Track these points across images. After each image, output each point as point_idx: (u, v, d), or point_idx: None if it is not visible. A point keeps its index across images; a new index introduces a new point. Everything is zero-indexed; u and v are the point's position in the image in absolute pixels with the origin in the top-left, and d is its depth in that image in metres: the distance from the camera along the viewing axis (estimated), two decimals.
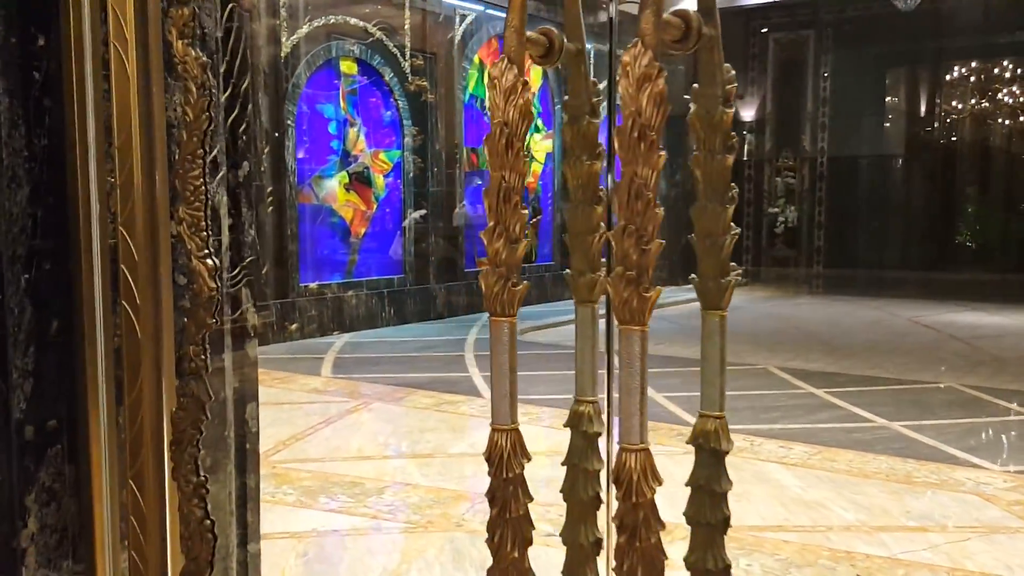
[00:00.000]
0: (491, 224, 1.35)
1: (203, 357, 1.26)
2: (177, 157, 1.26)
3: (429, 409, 5.89)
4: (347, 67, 10.01)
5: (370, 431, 5.38)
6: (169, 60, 1.30)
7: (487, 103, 1.64)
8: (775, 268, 16.52)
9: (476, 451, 5.08)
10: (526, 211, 1.41)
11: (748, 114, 17.42)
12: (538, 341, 9.22)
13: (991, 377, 6.96)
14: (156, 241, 1.24)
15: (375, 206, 10.46)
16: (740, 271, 2.24)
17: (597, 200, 1.49)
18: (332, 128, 9.86)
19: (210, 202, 1.24)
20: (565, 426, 1.46)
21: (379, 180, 10.50)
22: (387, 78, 10.39)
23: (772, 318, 11.19)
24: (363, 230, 10.33)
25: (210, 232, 1.21)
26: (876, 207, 16.98)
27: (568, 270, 1.56)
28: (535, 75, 12.31)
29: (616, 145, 1.37)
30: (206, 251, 1.21)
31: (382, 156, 10.51)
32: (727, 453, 1.61)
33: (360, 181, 10.27)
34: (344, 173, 10.03)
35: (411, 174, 10.75)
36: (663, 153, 1.14)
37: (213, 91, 1.30)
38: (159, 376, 1.30)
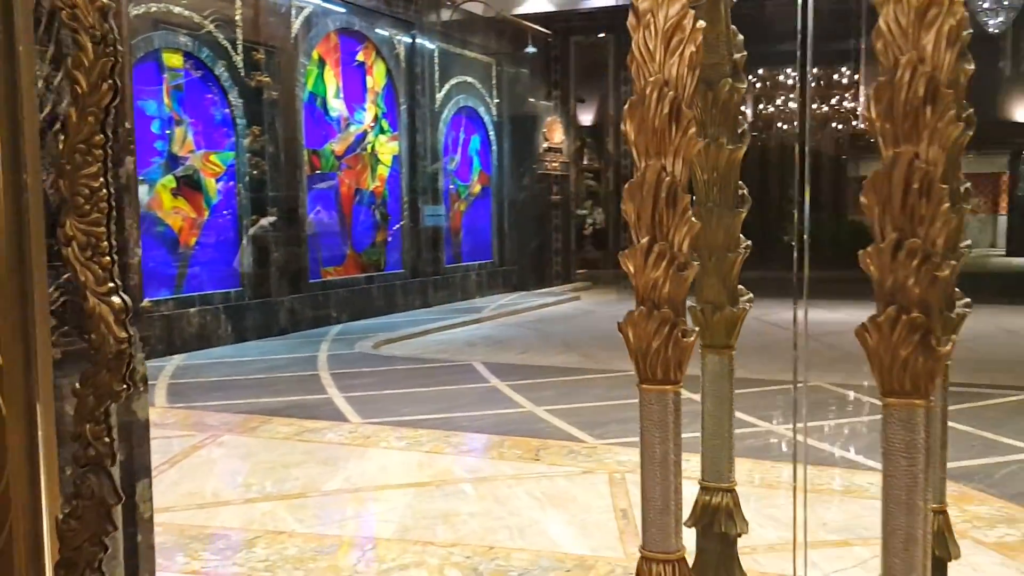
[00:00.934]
0: (643, 241, 1.10)
1: (108, 439, 0.79)
2: (62, 147, 0.78)
3: (290, 439, 5.30)
4: (172, 60, 9.12)
5: (226, 470, 4.75)
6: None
7: (630, 57, 1.37)
8: (586, 269, 16.70)
9: (354, 486, 4.60)
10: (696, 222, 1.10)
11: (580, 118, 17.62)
12: (396, 355, 8.73)
13: (853, 374, 7.12)
14: (24, 270, 0.76)
15: (207, 213, 9.61)
16: (750, 297, 1.90)
17: (740, 202, 1.18)
18: (155, 127, 8.95)
19: (114, 213, 0.77)
20: (690, 525, 1.06)
21: (211, 184, 9.66)
22: (218, 73, 9.57)
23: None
24: (194, 239, 9.46)
25: (114, 256, 0.75)
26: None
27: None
28: (378, 74, 11.81)
29: (872, 111, 1.14)
30: (110, 285, 0.74)
31: (213, 158, 9.67)
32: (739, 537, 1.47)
33: (189, 186, 9.39)
34: (171, 177, 9.13)
35: (248, 177, 9.97)
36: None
37: (119, 48, 0.82)
38: (35, 471, 0.81)
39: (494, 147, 14.86)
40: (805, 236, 1.93)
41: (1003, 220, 21.42)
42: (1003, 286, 14.23)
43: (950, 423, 5.44)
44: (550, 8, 15.14)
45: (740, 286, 1.84)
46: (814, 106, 18.98)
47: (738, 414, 5.69)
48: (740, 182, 1.51)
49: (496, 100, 14.85)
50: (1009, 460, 4.58)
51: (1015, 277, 15.98)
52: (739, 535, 1.17)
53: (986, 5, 12.93)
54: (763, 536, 3.57)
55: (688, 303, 2.07)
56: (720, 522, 1.15)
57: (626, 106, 1.29)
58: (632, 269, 1.35)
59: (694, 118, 1.15)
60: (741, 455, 4.72)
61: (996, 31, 13.35)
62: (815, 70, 18.76)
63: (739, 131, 1.37)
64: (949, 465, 4.52)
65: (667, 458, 1.42)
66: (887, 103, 1.19)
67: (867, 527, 3.68)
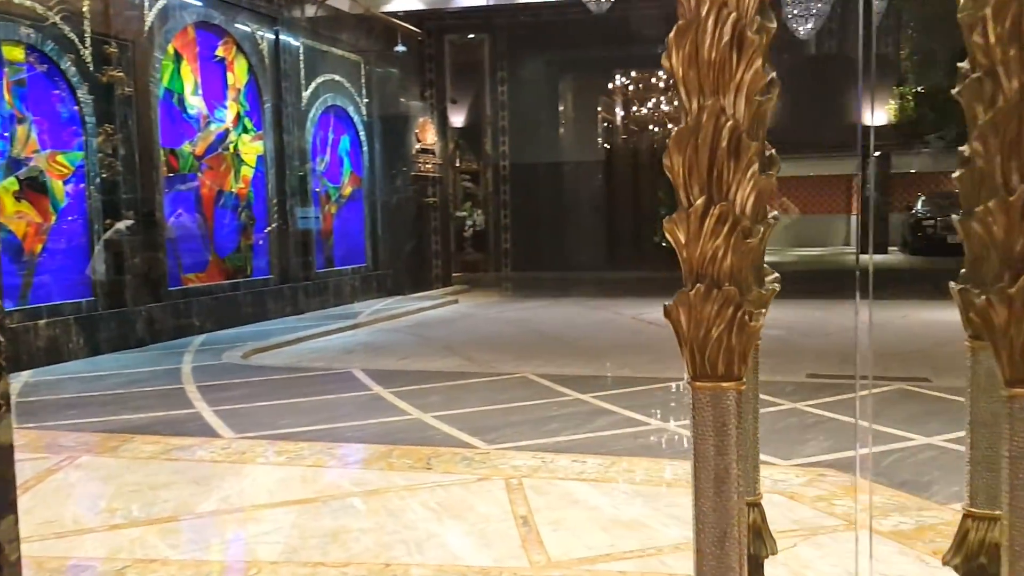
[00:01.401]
0: (697, 203, 1.08)
1: None
2: None
3: (156, 458, 4.91)
4: (13, 54, 8.41)
5: (86, 494, 4.34)
6: None
7: (672, 63, 1.16)
8: (467, 273, 16.64)
9: (232, 506, 4.28)
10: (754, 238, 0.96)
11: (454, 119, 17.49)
12: (268, 364, 8.34)
13: None
14: None
15: (54, 218, 8.91)
16: (777, 276, 1.73)
17: (769, 163, 1.13)
18: None
19: None
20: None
21: (58, 187, 8.96)
22: (64, 68, 8.89)
23: (509, 323, 11.15)
24: (40, 246, 8.75)
25: None
26: (570, 210, 17.79)
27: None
28: (240, 71, 11.32)
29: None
30: None
31: (60, 159, 8.98)
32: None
33: (34, 188, 8.68)
34: (12, 179, 8.41)
35: (99, 179, 9.31)
36: None
37: None
38: None
39: (365, 148, 14.53)
40: (869, 227, 1.77)
41: (855, 220, 22.69)
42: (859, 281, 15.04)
43: (829, 413, 5.59)
44: (421, 6, 14.94)
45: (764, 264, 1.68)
46: (633, 109, 19.50)
47: (628, 412, 5.72)
48: (767, 140, 1.34)
49: (366, 99, 14.53)
50: (892, 449, 4.73)
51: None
52: (768, 556, 1.04)
53: (796, 11, 13.59)
54: (668, 535, 3.52)
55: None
56: (747, 542, 1.02)
57: (671, 34, 1.12)
58: (682, 239, 1.19)
59: (760, 46, 1.02)
60: (637, 454, 4.72)
61: (806, 38, 14.10)
62: (633, 73, 19.26)
63: (768, 79, 1.22)
64: (838, 455, 4.65)
65: (728, 472, 1.19)
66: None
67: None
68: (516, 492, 4.09)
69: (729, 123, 1.13)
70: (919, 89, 24.07)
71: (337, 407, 6.25)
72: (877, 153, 21.87)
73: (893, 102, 24.84)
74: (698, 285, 1.13)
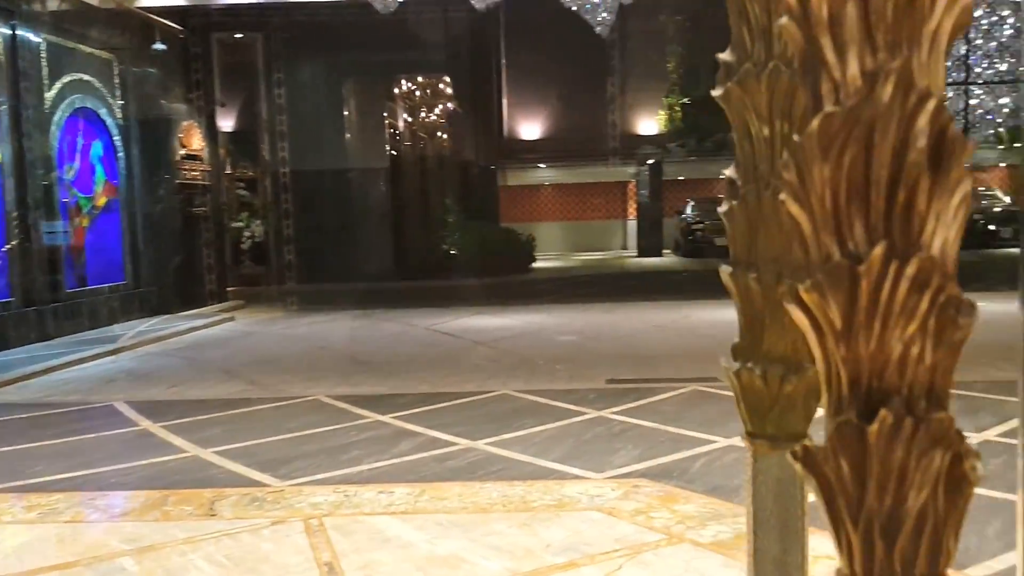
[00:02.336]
0: (873, 254, 0.62)
1: None
2: None
3: None
4: None
5: None
6: None
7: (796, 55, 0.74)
8: (246, 287, 15.80)
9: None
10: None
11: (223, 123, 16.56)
12: (11, 401, 7.33)
13: (531, 379, 7.23)
14: None
15: None
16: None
17: None
18: None
19: None
20: None
21: None
22: None
23: (295, 341, 10.56)
24: None
25: None
26: (357, 219, 17.37)
27: None
28: None
29: None
30: None
31: None
32: None
33: None
34: None
35: None
36: None
37: None
38: None
39: (121, 154, 13.33)
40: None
41: (632, 224, 23.76)
42: (640, 284, 15.70)
43: (634, 420, 5.61)
44: (184, 2, 13.94)
45: None
46: (420, 114, 19.52)
47: (433, 432, 5.47)
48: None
49: (121, 101, 13.34)
50: (698, 453, 4.79)
51: (649, 276, 17.71)
52: None
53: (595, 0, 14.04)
54: (490, 569, 3.30)
55: (729, 363, 1.57)
56: None
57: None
58: (828, 329, 0.74)
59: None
60: (448, 478, 4.47)
61: (602, 32, 14.64)
62: (420, 78, 19.27)
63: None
64: (650, 463, 4.63)
65: None
66: None
67: (588, 542, 3.57)
68: (318, 535, 3.71)
69: (930, 106, 0.62)
70: (686, 100, 25.68)
71: (97, 448, 5.53)
72: (650, 161, 23.06)
73: (662, 112, 26.35)
74: (883, 412, 0.64)
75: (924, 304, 0.64)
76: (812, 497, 0.80)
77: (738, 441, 4.99)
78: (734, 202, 1.41)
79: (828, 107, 0.67)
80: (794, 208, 0.69)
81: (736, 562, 3.32)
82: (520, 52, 22.57)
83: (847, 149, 0.66)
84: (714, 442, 4.96)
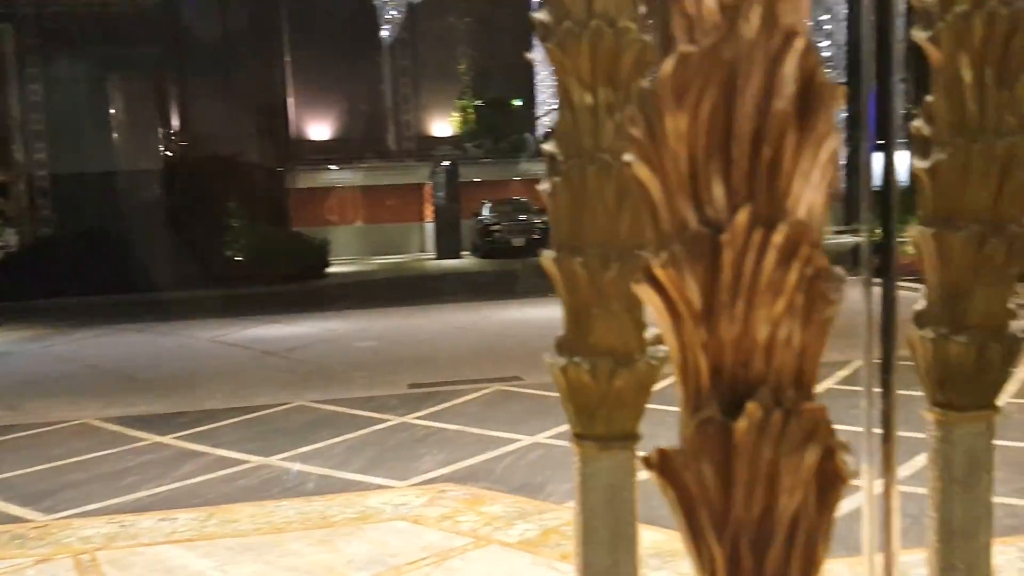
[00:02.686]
0: (737, 216, 0.46)
1: None
2: None
3: None
4: None
5: None
6: None
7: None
8: (8, 303, 14.45)
9: None
10: None
11: None
12: None
13: (328, 388, 7.01)
14: None
15: None
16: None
17: None
18: None
19: None
20: None
21: None
22: None
23: (58, 360, 9.69)
24: None
25: None
26: (128, 224, 16.30)
27: None
28: None
29: None
30: None
31: None
32: None
33: None
34: None
35: None
36: None
37: None
38: None
39: None
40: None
41: (430, 227, 23.78)
42: (440, 287, 15.71)
43: (438, 424, 5.55)
44: None
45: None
46: (184, 115, 18.75)
47: (220, 451, 5.15)
48: None
49: None
50: (503, 453, 4.79)
51: (448, 278, 17.77)
52: None
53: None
54: None
55: (553, 359, 1.43)
56: None
57: None
58: (685, 311, 0.62)
59: None
60: (238, 499, 4.21)
61: (390, 32, 14.61)
62: (194, 76, 18.52)
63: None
64: (455, 467, 4.57)
65: None
66: None
67: (394, 553, 3.46)
68: (90, 571, 3.37)
69: (797, 41, 0.55)
70: (479, 102, 26.04)
71: None
72: (446, 162, 23.18)
73: (456, 113, 26.59)
74: (751, 406, 0.56)
75: (792, 277, 0.55)
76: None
77: (542, 438, 5.05)
78: (556, 179, 1.32)
79: (682, 47, 0.56)
80: (642, 170, 0.59)
81: (543, 559, 3.33)
82: (306, 49, 22.02)
83: (705, 97, 0.55)
84: (518, 441, 4.98)
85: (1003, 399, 5.33)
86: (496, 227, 21.52)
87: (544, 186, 1.34)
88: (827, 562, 0.65)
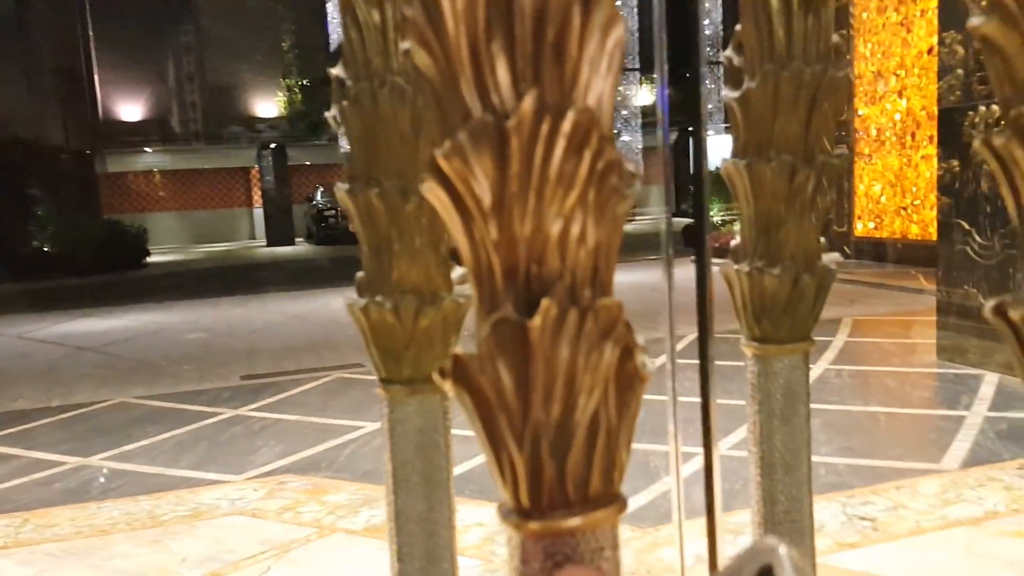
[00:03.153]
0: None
1: None
2: None
3: None
4: None
5: None
6: None
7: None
8: None
9: None
10: None
11: None
12: None
13: (153, 383, 6.72)
14: None
15: None
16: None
17: None
18: None
19: None
20: None
21: None
22: None
23: None
24: None
25: None
26: None
27: None
28: None
29: None
30: None
31: None
32: None
33: None
34: None
35: None
36: None
37: None
38: None
39: None
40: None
41: (259, 212, 23.11)
42: (273, 275, 15.32)
43: (275, 415, 5.44)
44: None
45: None
46: None
47: (35, 453, 4.85)
48: None
49: None
50: (346, 441, 4.75)
51: (281, 266, 17.35)
52: None
53: None
54: None
55: (354, 300, 1.35)
56: None
57: None
58: (474, 207, 0.59)
59: None
60: (55, 503, 3.98)
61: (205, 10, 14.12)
62: None
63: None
64: (295, 458, 4.50)
65: None
66: None
67: (233, 550, 3.38)
68: None
69: None
70: (305, 81, 25.48)
71: None
72: (273, 145, 22.56)
73: (282, 94, 25.91)
74: (546, 303, 0.55)
75: (584, 169, 0.54)
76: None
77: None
78: (344, 103, 1.27)
79: None
80: (421, 57, 0.55)
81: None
82: (112, 22, 20.86)
83: None
84: (362, 428, 4.95)
85: (822, 365, 5.73)
86: (331, 212, 21.16)
87: (331, 112, 1.29)
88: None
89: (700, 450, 4.02)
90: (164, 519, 3.73)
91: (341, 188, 1.32)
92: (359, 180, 1.30)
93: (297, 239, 22.24)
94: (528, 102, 0.52)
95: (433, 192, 0.56)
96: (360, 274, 1.36)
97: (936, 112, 10.29)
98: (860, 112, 11.37)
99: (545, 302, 0.54)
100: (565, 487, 0.57)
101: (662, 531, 3.27)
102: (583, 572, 0.44)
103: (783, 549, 0.40)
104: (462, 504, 3.68)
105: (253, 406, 5.67)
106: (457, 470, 4.13)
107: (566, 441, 0.56)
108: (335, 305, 10.83)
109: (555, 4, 0.52)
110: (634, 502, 3.63)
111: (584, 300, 0.55)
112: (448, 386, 0.58)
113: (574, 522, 0.56)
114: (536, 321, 0.53)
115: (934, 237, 10.39)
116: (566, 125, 0.52)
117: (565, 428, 0.56)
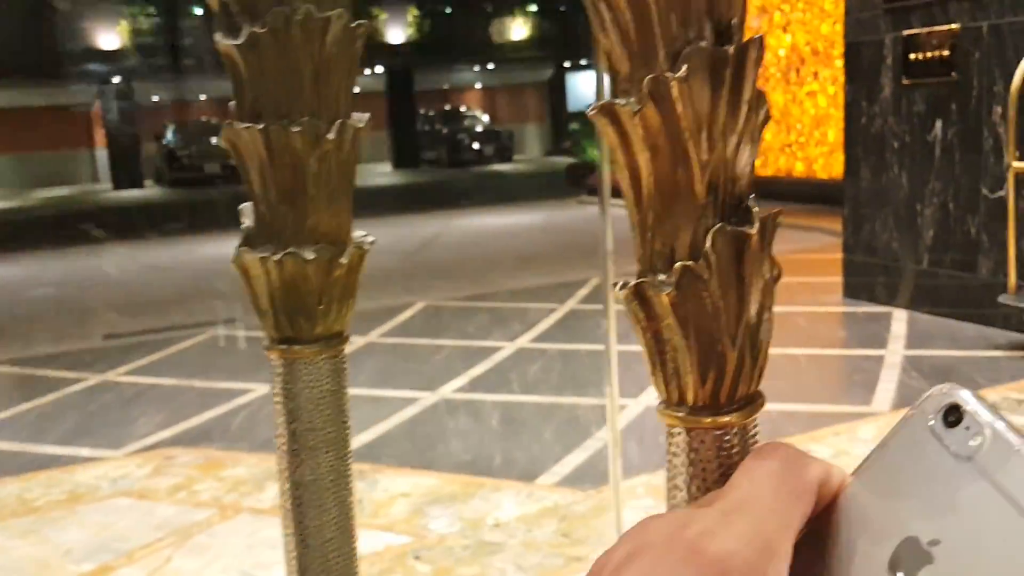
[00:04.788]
0: None
1: None
2: None
3: None
4: None
5: None
6: None
7: None
8: None
9: None
10: None
11: None
12: None
13: (0, 347, 6.14)
14: None
15: None
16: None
17: None
18: None
19: None
20: None
21: None
22: None
23: None
24: None
25: None
26: None
27: None
28: None
29: None
30: None
31: None
32: None
33: None
34: None
35: None
36: None
37: None
38: None
39: None
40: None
41: (103, 153, 21.73)
42: (122, 222, 14.42)
43: (150, 379, 5.03)
44: None
45: None
46: None
47: None
48: None
49: None
50: (237, 406, 4.40)
51: (133, 211, 16.38)
52: None
53: None
54: None
55: (249, 253, 1.10)
56: None
57: None
58: (691, 128, 0.64)
59: None
60: None
61: None
62: None
63: None
64: (180, 428, 4.14)
65: None
66: None
67: (121, 538, 3.04)
68: None
69: None
70: (151, 10, 23.97)
71: None
72: (116, 80, 21.19)
73: (125, 23, 24.28)
74: (757, 210, 0.66)
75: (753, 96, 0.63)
76: None
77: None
78: (248, 31, 1.04)
79: None
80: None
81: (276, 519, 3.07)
82: None
83: None
84: (252, 391, 4.61)
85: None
86: (184, 152, 20.10)
87: (226, 43, 1.04)
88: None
89: (628, 403, 3.88)
90: (37, 504, 3.33)
91: (239, 126, 1.07)
92: (267, 118, 1.07)
93: (147, 182, 21.07)
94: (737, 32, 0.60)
95: (645, 114, 0.60)
96: (248, 223, 1.12)
97: (821, 48, 10.49)
98: None
99: (756, 210, 0.61)
100: (742, 384, 0.63)
101: (605, 492, 3.12)
102: (782, 445, 0.48)
103: (964, 391, 0.40)
104: (382, 473, 3.44)
105: (122, 370, 5.21)
106: (369, 435, 3.88)
107: (759, 341, 0.64)
108: (202, 252, 10.25)
109: None
110: (572, 460, 3.47)
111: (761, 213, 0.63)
112: (643, 304, 0.63)
113: (744, 416, 0.62)
114: (754, 229, 0.60)
115: (819, 174, 10.66)
116: (754, 53, 0.60)
117: (760, 328, 0.63)
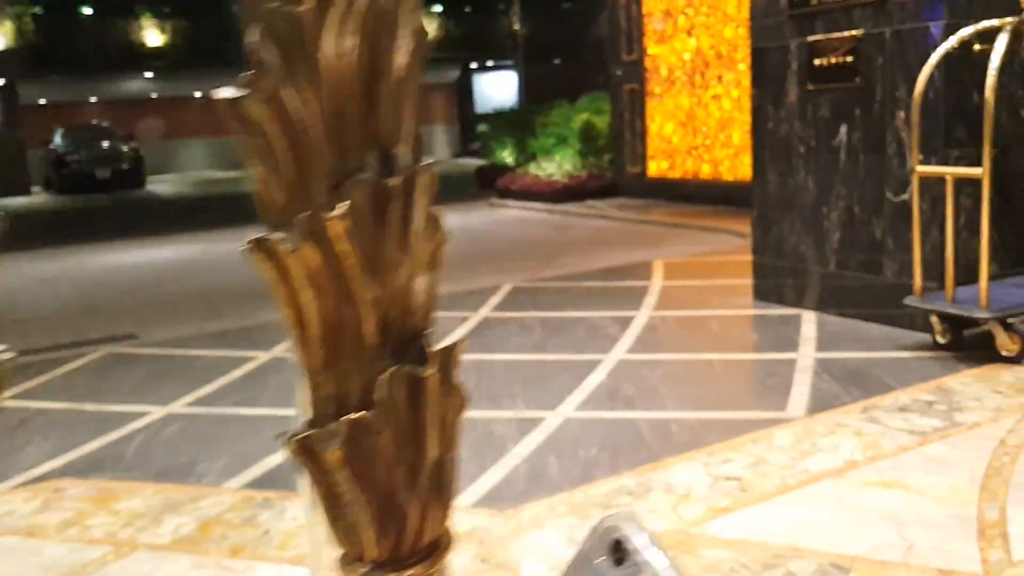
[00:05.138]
0: None
1: None
2: None
3: None
4: None
5: None
6: None
7: None
8: None
9: None
10: None
11: None
12: None
13: None
14: None
15: None
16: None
17: None
18: None
19: None
20: None
21: None
22: None
23: None
24: None
25: None
26: None
27: None
28: None
29: None
30: None
31: None
32: None
33: None
34: None
35: None
36: None
37: None
38: None
39: None
40: None
41: None
42: (7, 231, 13.74)
43: (37, 403, 4.74)
44: None
45: None
46: None
47: None
48: None
49: None
50: (131, 431, 4.17)
51: (18, 221, 15.63)
52: None
53: None
54: None
55: None
56: None
57: None
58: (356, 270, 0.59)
59: None
60: None
61: None
62: None
63: None
64: (70, 456, 3.89)
65: None
66: None
67: None
68: None
69: None
70: (36, 10, 23.01)
71: None
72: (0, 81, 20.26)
73: (9, 23, 23.24)
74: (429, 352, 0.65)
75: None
76: None
77: (177, 408, 4.48)
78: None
79: None
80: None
81: (209, 558, 2.90)
82: None
83: None
84: (149, 414, 4.38)
85: (646, 312, 5.64)
86: (73, 157, 19.30)
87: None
88: None
89: (544, 415, 3.80)
90: None
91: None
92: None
93: (34, 188, 20.18)
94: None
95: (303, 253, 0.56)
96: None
97: (724, 52, 10.64)
98: (650, 51, 11.54)
99: (433, 349, 0.60)
100: (428, 532, 0.63)
101: (525, 512, 3.04)
102: None
103: (629, 523, 0.41)
104: (289, 500, 3.29)
105: (6, 394, 4.90)
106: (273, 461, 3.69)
107: (443, 483, 0.63)
108: (92, 264, 9.82)
109: None
110: (487, 480, 3.37)
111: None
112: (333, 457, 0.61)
113: (429, 566, 0.63)
114: (432, 370, 0.58)
115: (725, 176, 10.80)
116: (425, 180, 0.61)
117: (444, 469, 0.62)
